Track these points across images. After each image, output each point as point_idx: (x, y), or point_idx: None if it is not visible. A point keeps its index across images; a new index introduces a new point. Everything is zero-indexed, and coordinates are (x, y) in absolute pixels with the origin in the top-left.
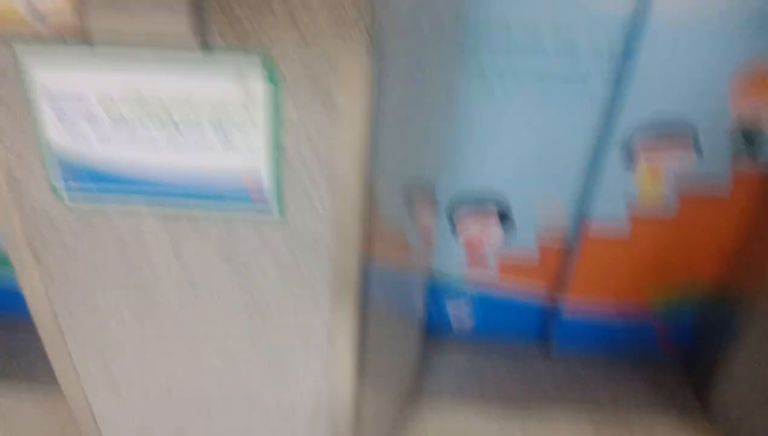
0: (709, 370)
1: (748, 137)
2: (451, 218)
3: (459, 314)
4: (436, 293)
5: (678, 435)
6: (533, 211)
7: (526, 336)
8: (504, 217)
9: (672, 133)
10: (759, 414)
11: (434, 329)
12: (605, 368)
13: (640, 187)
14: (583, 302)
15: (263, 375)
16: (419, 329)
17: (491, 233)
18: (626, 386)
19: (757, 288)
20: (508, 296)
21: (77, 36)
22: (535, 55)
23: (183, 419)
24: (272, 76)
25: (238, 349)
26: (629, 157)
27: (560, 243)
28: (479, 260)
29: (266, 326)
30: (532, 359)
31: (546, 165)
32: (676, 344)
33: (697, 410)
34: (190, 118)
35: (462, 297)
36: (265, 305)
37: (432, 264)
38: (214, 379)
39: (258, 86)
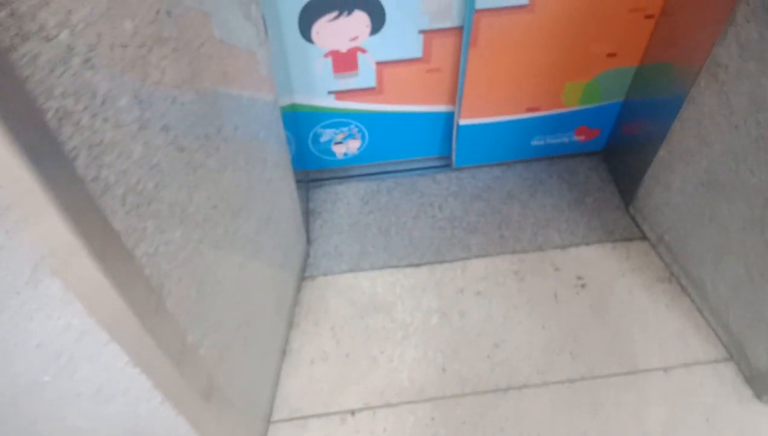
0: (637, 168)
1: None
2: (306, 31)
3: (340, 142)
4: (306, 126)
5: (606, 254)
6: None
7: (421, 152)
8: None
9: None
10: (690, 222)
11: (316, 165)
12: (517, 174)
13: None
14: (481, 102)
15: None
16: (288, 178)
17: (361, 37)
18: (544, 194)
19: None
20: (394, 109)
21: None
22: None
23: None
24: None
25: None
26: None
27: (451, 37)
28: (349, 65)
29: None
30: (431, 175)
31: None
32: (595, 141)
33: (622, 212)
34: None
35: (340, 124)
36: None
37: (289, 95)
38: None
39: None
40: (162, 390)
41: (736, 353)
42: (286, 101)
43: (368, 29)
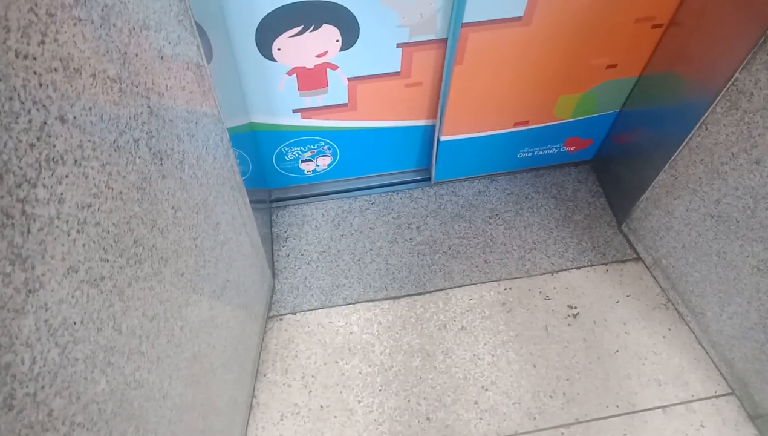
0: (633, 186)
1: None
2: (266, 48)
3: (309, 160)
4: (268, 146)
5: (599, 279)
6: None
7: (398, 166)
8: (348, 29)
9: None
10: (692, 252)
11: (281, 183)
12: (501, 189)
13: None
14: (465, 118)
15: None
16: (249, 224)
17: (331, 53)
18: (530, 211)
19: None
20: (368, 125)
21: None
22: None
23: None
24: None
25: None
26: None
27: (434, 50)
28: (317, 82)
29: None
30: (408, 192)
31: None
32: (586, 151)
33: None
34: None
35: (308, 142)
36: None
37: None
38: None
39: None
40: None
41: (738, 389)
42: (242, 121)
43: (339, 44)
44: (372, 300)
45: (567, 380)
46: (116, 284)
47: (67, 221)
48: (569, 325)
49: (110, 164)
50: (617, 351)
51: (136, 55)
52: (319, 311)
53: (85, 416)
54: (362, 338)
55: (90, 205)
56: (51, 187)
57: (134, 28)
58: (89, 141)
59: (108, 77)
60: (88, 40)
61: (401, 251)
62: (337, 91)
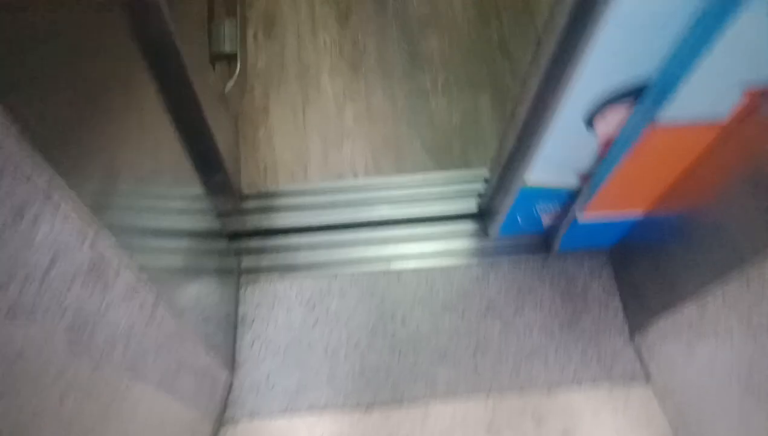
0: (655, 292)
1: None
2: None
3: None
4: (527, 204)
5: (601, 401)
6: None
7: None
8: None
9: None
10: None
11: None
12: (501, 275)
13: None
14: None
15: None
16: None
17: None
18: (532, 307)
19: None
20: None
21: None
22: None
23: None
24: None
25: None
26: None
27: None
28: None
29: None
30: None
31: None
32: None
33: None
34: None
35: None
36: None
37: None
38: None
39: None
40: None
41: None
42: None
43: None
44: (342, 406)
45: None
46: None
47: None
48: None
49: None
50: None
51: None
52: (282, 418)
53: None
54: None
55: None
56: None
57: None
58: None
59: None
60: None
61: (381, 346)
62: None
